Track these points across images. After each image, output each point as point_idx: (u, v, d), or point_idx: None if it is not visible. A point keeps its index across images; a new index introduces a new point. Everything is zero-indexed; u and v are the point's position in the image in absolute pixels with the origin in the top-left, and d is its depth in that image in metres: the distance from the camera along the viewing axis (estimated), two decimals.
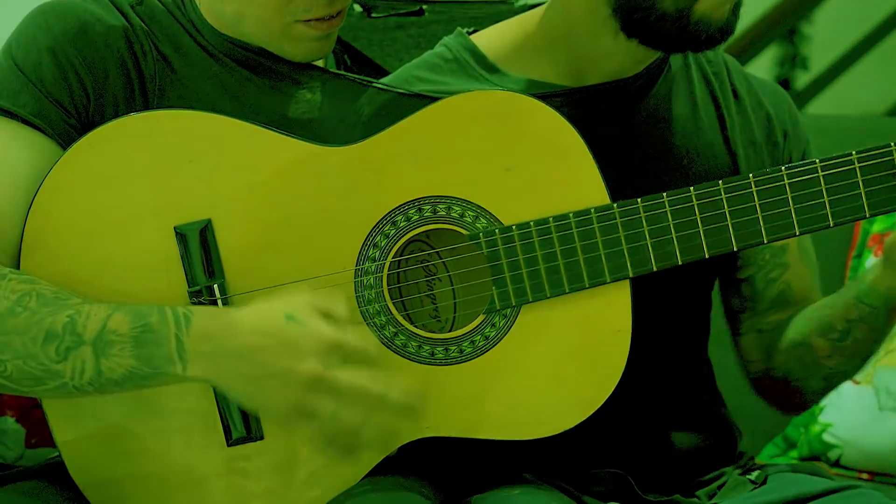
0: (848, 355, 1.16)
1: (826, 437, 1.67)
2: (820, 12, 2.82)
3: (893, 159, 1.04)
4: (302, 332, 0.97)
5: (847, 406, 1.67)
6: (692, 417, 1.21)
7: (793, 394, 1.22)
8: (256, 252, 1.06)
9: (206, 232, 1.06)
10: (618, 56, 1.14)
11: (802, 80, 2.92)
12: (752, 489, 1.15)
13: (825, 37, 2.96)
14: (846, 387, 1.68)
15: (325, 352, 0.97)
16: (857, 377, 1.67)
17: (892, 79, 3.22)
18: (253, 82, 1.14)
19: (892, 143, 1.04)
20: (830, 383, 1.20)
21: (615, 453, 1.15)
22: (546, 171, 1.07)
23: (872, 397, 1.66)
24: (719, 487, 1.18)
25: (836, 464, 1.67)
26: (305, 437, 1.02)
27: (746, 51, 2.77)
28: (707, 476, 1.19)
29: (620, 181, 1.09)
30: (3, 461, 1.41)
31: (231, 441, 1.06)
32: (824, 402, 1.70)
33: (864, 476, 1.65)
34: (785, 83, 2.86)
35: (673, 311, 1.18)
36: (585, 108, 1.14)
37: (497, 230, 1.06)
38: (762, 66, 2.88)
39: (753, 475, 1.18)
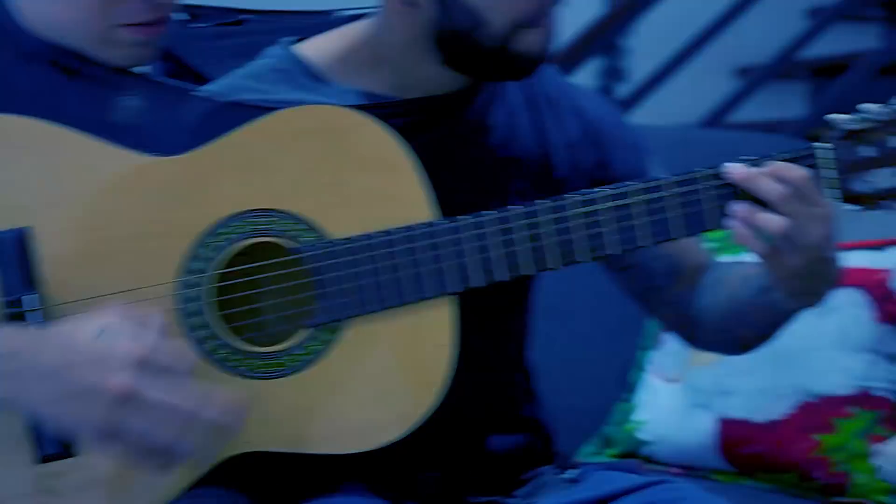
0: (765, 339, 1.22)
1: (640, 435, 1.73)
2: (638, 27, 2.91)
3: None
4: (111, 347, 0.93)
5: (659, 404, 1.73)
6: (510, 420, 1.23)
7: (720, 352, 1.31)
8: (78, 263, 1.04)
9: (23, 239, 1.02)
10: (441, 79, 1.15)
11: (622, 91, 2.99)
12: (568, 487, 1.18)
13: (643, 50, 3.05)
14: (658, 386, 1.76)
15: (136, 367, 0.92)
16: (670, 375, 1.76)
17: (704, 91, 3.35)
18: (72, 88, 1.11)
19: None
20: (753, 349, 1.25)
21: (436, 458, 1.16)
22: (373, 186, 1.07)
23: (683, 395, 1.73)
24: (537, 487, 1.20)
25: (650, 460, 1.72)
26: (119, 454, 0.98)
27: (569, 63, 2.84)
28: (525, 476, 1.21)
29: (446, 192, 1.10)
30: None
31: (43, 457, 1.02)
32: (637, 400, 1.77)
33: (676, 470, 1.70)
34: (607, 94, 2.94)
35: (491, 320, 1.19)
36: (410, 120, 1.14)
37: (321, 244, 1.06)
38: (584, 78, 2.94)
39: (569, 474, 1.20)
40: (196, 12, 1.23)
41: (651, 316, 1.32)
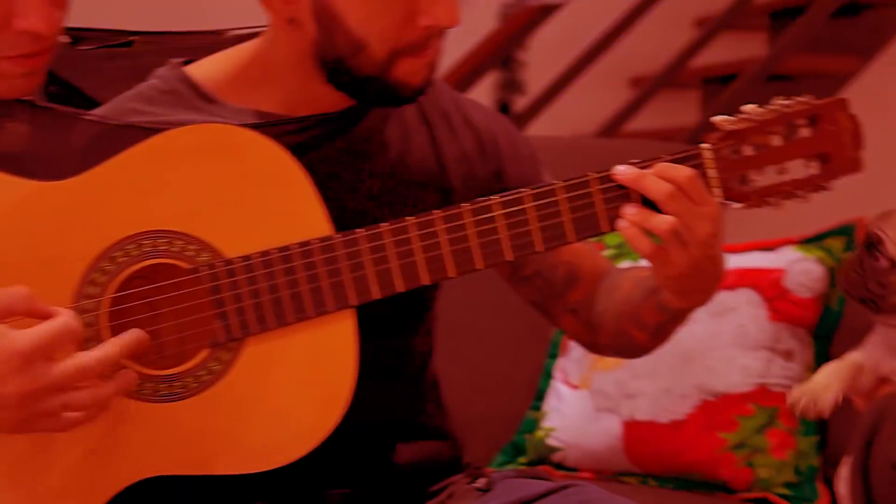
0: (661, 339, 1.22)
1: (550, 441, 1.74)
2: (533, 39, 2.93)
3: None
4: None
5: (567, 410, 1.75)
6: (418, 433, 1.22)
7: (620, 356, 1.31)
8: None
9: None
10: (331, 97, 1.14)
11: (520, 103, 3.02)
12: (479, 497, 1.18)
13: (539, 62, 3.09)
14: (566, 392, 1.77)
15: (25, 365, 0.93)
16: (575, 381, 1.77)
17: (599, 102, 3.40)
18: None
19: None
20: (649, 352, 1.26)
21: (344, 473, 1.15)
22: (268, 203, 1.06)
23: (589, 400, 1.74)
24: (448, 497, 1.20)
25: (561, 466, 1.74)
26: (17, 458, 1.00)
27: (467, 77, 2.86)
28: (435, 488, 1.21)
29: (341, 208, 1.10)
30: None
31: None
32: (547, 407, 1.78)
33: (586, 475, 1.72)
34: (504, 107, 2.96)
35: (394, 333, 1.19)
36: (303, 137, 1.14)
37: (219, 263, 1.05)
38: (482, 92, 2.96)
39: (479, 483, 1.21)
40: (81, 35, 1.21)
41: (553, 324, 1.32)
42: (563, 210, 1.08)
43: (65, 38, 1.13)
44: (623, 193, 1.08)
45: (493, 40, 2.90)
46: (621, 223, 1.07)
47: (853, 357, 1.07)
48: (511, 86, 3.00)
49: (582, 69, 3.08)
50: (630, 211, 1.06)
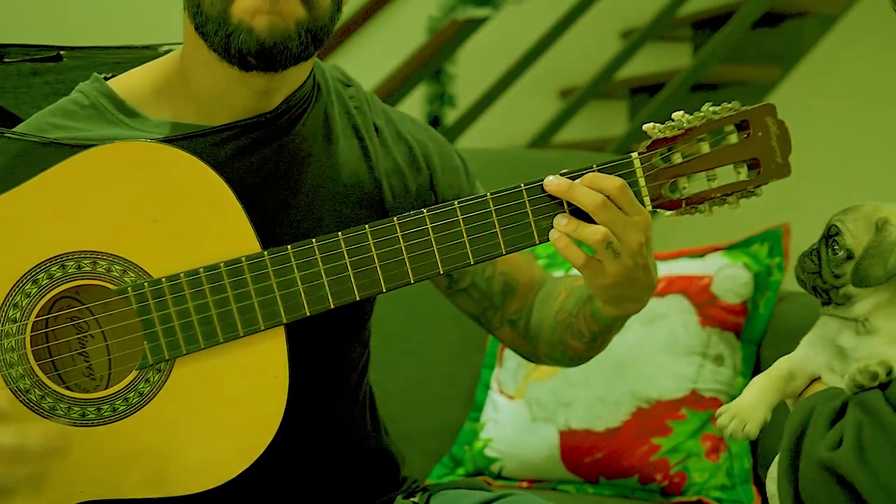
0: (598, 348, 1.22)
1: (487, 452, 1.73)
2: (462, 52, 2.94)
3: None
4: None
5: (504, 421, 1.74)
6: (355, 449, 1.21)
7: (560, 365, 1.29)
8: None
9: None
10: (237, 87, 1.11)
11: (451, 116, 3.02)
12: None
13: (469, 75, 3.09)
14: (502, 403, 1.77)
15: None
16: (511, 391, 1.77)
17: (529, 113, 3.41)
18: None
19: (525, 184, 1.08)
20: (587, 360, 1.26)
21: (283, 492, 1.14)
22: (194, 221, 1.05)
23: (526, 410, 1.74)
24: None
25: (499, 476, 1.73)
26: None
27: (397, 90, 2.85)
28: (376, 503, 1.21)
29: (270, 221, 1.09)
30: None
31: None
32: (484, 418, 1.78)
33: (524, 485, 1.71)
34: (435, 120, 2.96)
35: (328, 348, 1.18)
36: (227, 149, 1.12)
37: (146, 283, 1.03)
38: (413, 105, 2.96)
39: (417, 497, 1.20)
40: (6, 50, 1.19)
41: (492, 335, 1.32)
42: (495, 222, 1.08)
43: None
44: (554, 204, 1.08)
45: (422, 53, 2.91)
46: (553, 234, 1.07)
47: (781, 365, 1.08)
48: (441, 99, 3.00)
49: (511, 81, 3.10)
50: (561, 222, 1.06)
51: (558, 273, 1.74)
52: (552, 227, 1.07)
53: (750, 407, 1.05)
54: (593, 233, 1.05)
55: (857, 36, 3.47)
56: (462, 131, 3.03)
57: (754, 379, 1.08)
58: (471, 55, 3.06)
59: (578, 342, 1.21)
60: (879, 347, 1.02)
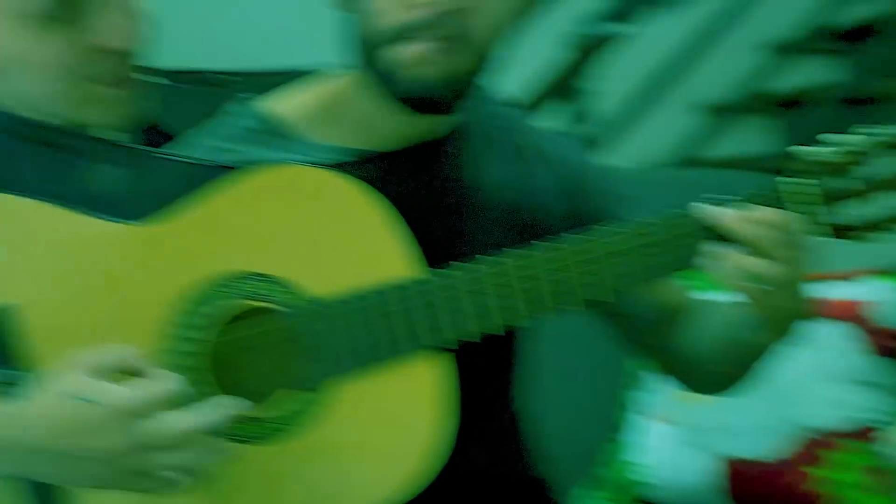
0: (751, 372, 1.19)
1: (632, 475, 1.71)
2: (604, 69, 2.92)
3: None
4: (91, 410, 0.94)
5: (653, 444, 1.72)
6: (514, 477, 1.22)
7: (713, 391, 1.29)
8: (70, 336, 1.01)
9: (4, 318, 1.01)
10: (404, 121, 1.13)
11: (589, 133, 2.99)
12: None
13: (611, 92, 3.05)
14: (650, 425, 1.74)
15: (124, 423, 0.94)
16: (658, 416, 1.74)
17: (673, 130, 3.37)
18: (46, 158, 1.09)
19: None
20: (737, 388, 1.24)
21: None
22: (358, 244, 1.06)
23: (673, 434, 1.71)
24: None
25: (645, 501, 1.70)
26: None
27: (536, 107, 2.85)
28: None
29: (426, 244, 1.08)
30: None
31: None
32: (630, 441, 1.75)
33: None
34: (578, 138, 2.95)
35: (488, 375, 1.18)
36: (382, 172, 1.13)
37: (309, 306, 1.04)
38: (551, 123, 2.95)
39: None
40: (171, 75, 1.24)
41: (639, 359, 1.31)
42: (647, 247, 1.07)
43: (154, 79, 1.15)
44: (707, 231, 1.06)
45: (561, 70, 2.90)
46: (712, 262, 1.05)
47: None
48: (579, 116, 2.98)
49: (654, 98, 3.06)
50: (722, 251, 1.05)
51: (709, 295, 1.70)
52: (706, 254, 1.05)
53: None
54: (755, 265, 1.03)
55: None
56: (600, 148, 3.01)
57: None
58: (612, 71, 3.03)
59: (729, 368, 1.19)
60: None
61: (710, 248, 1.05)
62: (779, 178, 1.07)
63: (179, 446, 0.95)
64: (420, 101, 1.10)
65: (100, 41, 1.06)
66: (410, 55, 1.08)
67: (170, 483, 0.97)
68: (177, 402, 0.96)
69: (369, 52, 1.10)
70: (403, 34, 1.07)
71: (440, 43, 1.07)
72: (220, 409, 0.98)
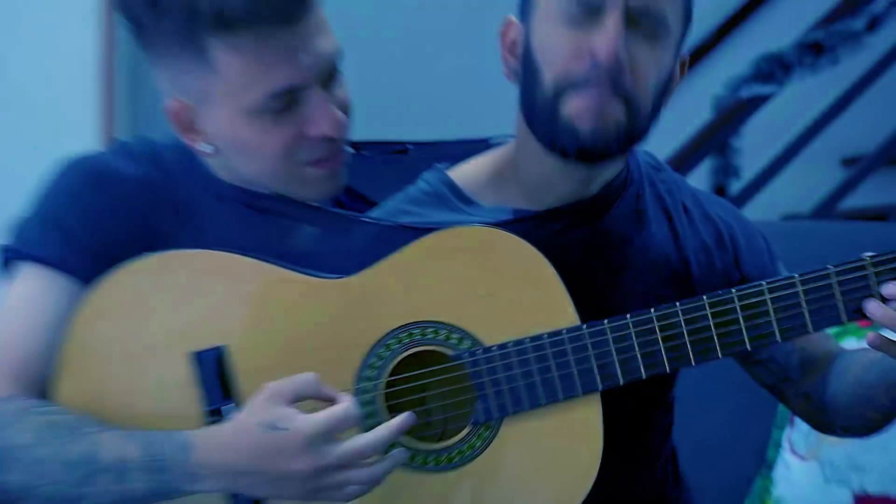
0: (893, 417, 1.16)
1: None
2: (747, 128, 2.87)
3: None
4: (284, 437, 0.97)
5: (795, 480, 1.65)
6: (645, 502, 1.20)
7: (852, 434, 1.23)
8: (267, 374, 1.03)
9: (220, 358, 1.05)
10: (560, 176, 1.13)
11: (736, 187, 2.94)
12: None
13: (754, 147, 3.00)
14: (794, 462, 1.67)
15: (308, 446, 0.96)
16: (803, 453, 1.68)
17: (813, 182, 3.26)
18: (259, 222, 1.13)
19: (866, 258, 1.04)
20: (883, 429, 1.19)
21: None
22: (520, 296, 1.06)
23: (819, 471, 1.64)
24: None
25: None
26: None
27: (686, 163, 2.81)
28: None
29: (586, 295, 1.08)
30: None
31: None
32: (775, 477, 1.69)
33: None
34: (721, 190, 2.89)
35: (637, 412, 1.17)
36: (551, 229, 1.14)
37: (479, 350, 1.05)
38: (700, 177, 2.90)
39: None
40: (364, 146, 1.25)
41: (785, 405, 1.27)
42: (802, 302, 1.04)
43: (350, 150, 1.18)
44: (862, 287, 1.03)
45: (709, 129, 2.85)
46: (872, 311, 1.02)
47: None
48: (726, 170, 2.92)
49: (795, 152, 2.97)
50: (876, 312, 1.03)
51: (850, 340, 1.63)
52: (864, 311, 1.03)
53: None
54: None
55: None
56: (747, 201, 2.94)
57: None
58: (755, 128, 2.96)
59: (877, 414, 1.14)
60: None
61: (876, 307, 1.02)
62: None
63: (360, 464, 0.98)
64: (584, 152, 1.09)
65: (314, 130, 1.09)
66: (577, 106, 1.07)
67: (354, 495, 0.99)
68: (354, 425, 0.99)
69: (539, 108, 1.09)
70: (571, 84, 1.07)
71: (605, 93, 1.06)
72: (393, 428, 0.99)
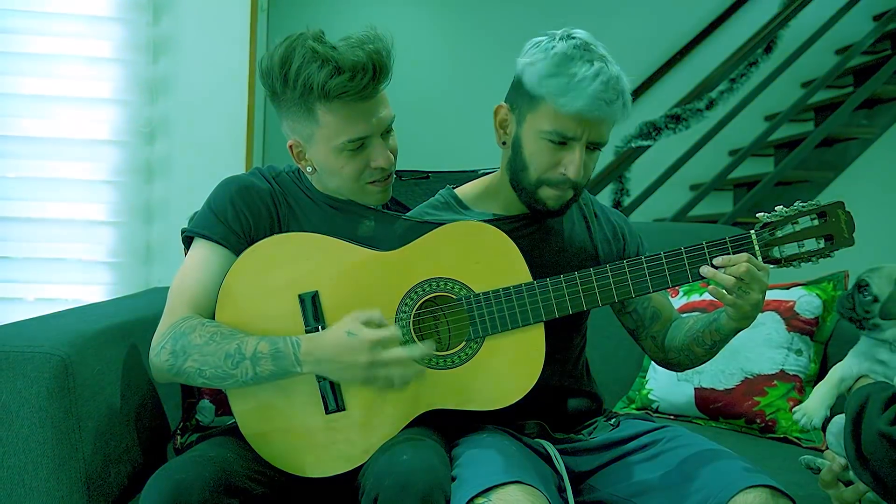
0: (711, 354, 1.13)
1: (650, 396, 1.65)
2: (634, 166, 2.86)
3: (705, 253, 1.02)
4: (355, 340, 0.96)
5: (660, 379, 1.65)
6: (578, 392, 1.18)
7: (680, 367, 1.18)
8: (342, 308, 1.04)
9: (315, 298, 1.05)
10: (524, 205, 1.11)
11: (626, 202, 2.93)
12: (611, 429, 1.13)
13: (637, 178, 2.97)
14: (659, 368, 1.67)
15: (370, 348, 0.96)
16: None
17: (672, 199, 3.23)
18: (338, 217, 1.13)
19: (703, 243, 1.02)
20: (699, 364, 1.16)
21: (536, 413, 1.13)
22: (496, 263, 1.05)
23: (674, 374, 1.63)
24: (594, 429, 1.15)
25: (657, 411, 1.64)
26: (372, 398, 1.00)
27: (596, 188, 2.79)
28: (587, 423, 1.17)
29: (535, 266, 1.08)
30: (203, 424, 1.37)
31: (327, 412, 1.04)
32: (648, 376, 1.69)
33: (672, 418, 1.61)
34: (618, 204, 2.88)
35: (565, 333, 1.16)
36: (515, 227, 1.12)
37: (472, 296, 1.05)
38: (605, 196, 2.89)
39: (612, 421, 1.16)
40: (403, 173, 1.24)
41: (638, 344, 1.22)
42: (665, 267, 1.03)
43: (395, 176, 1.17)
44: (702, 259, 1.02)
45: (611, 166, 2.83)
46: (712, 279, 1.00)
47: (834, 374, 0.95)
48: (621, 192, 2.90)
49: (662, 181, 2.95)
50: (718, 273, 1.00)
51: (694, 296, 1.63)
52: (701, 274, 1.01)
53: (814, 407, 0.95)
54: (725, 281, 0.99)
55: (886, 152, 3.06)
56: (633, 211, 2.91)
57: (816, 386, 0.97)
58: (639, 166, 2.94)
59: (701, 349, 1.11)
60: None
61: (708, 270, 1.00)
62: (752, 231, 1.02)
63: (397, 364, 0.97)
64: (547, 213, 1.08)
65: (375, 163, 1.08)
66: (549, 195, 1.06)
67: (390, 384, 0.98)
68: (397, 342, 0.98)
69: (523, 185, 1.07)
70: (547, 182, 1.06)
71: (567, 189, 1.06)
72: (419, 348, 0.99)
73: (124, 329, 1.18)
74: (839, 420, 0.91)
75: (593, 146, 1.05)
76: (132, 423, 1.16)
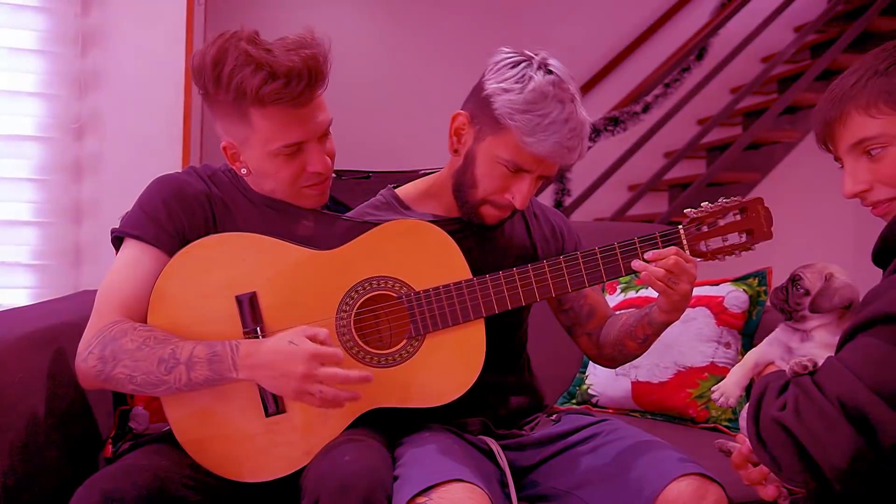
0: (643, 348, 1.15)
1: (590, 391, 1.68)
2: (575, 167, 2.90)
3: (636, 247, 1.04)
4: (295, 350, 0.94)
5: (599, 374, 1.69)
6: (520, 387, 1.20)
7: (614, 362, 1.20)
8: (281, 309, 1.03)
9: (253, 299, 1.03)
10: None
11: (567, 202, 2.98)
12: (553, 424, 1.15)
13: (578, 179, 3.03)
14: (596, 365, 1.71)
15: (309, 360, 0.93)
16: None
17: (611, 199, 3.30)
18: (276, 217, 1.11)
19: (636, 239, 1.04)
20: (632, 359, 1.18)
21: (478, 410, 1.13)
22: (436, 261, 1.05)
23: (609, 370, 1.68)
24: (536, 424, 1.17)
25: (596, 405, 1.67)
26: (308, 405, 0.98)
27: (539, 188, 2.82)
28: (528, 419, 1.18)
29: (477, 265, 1.09)
30: (136, 433, 1.32)
31: (268, 414, 1.02)
32: (588, 372, 1.72)
33: (611, 411, 1.65)
34: (558, 204, 2.93)
35: (506, 331, 1.17)
36: (455, 228, 1.13)
37: (412, 294, 1.05)
38: (546, 196, 2.93)
39: (554, 416, 1.17)
40: (342, 172, 1.23)
41: (574, 342, 1.25)
42: (599, 262, 1.05)
43: (334, 176, 1.16)
44: (633, 256, 1.04)
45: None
46: (644, 270, 1.02)
47: (749, 359, 1.01)
48: (562, 192, 2.96)
49: (601, 182, 3.02)
50: (644, 266, 1.03)
51: (630, 293, 1.68)
52: (633, 268, 1.03)
53: (731, 387, 1.00)
54: (656, 273, 1.02)
55: (808, 155, 3.23)
56: (573, 210, 2.97)
57: (733, 369, 1.02)
58: (579, 167, 2.99)
59: (633, 343, 1.14)
60: (813, 350, 0.95)
61: (639, 264, 1.02)
62: (680, 226, 1.06)
63: (328, 383, 0.94)
64: (484, 227, 1.09)
65: (311, 168, 1.07)
66: (491, 213, 1.07)
67: (321, 402, 0.95)
68: (337, 361, 0.95)
69: (466, 199, 1.07)
70: (492, 203, 1.06)
71: (510, 212, 1.07)
72: (357, 373, 0.95)
73: (49, 334, 1.13)
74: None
75: (543, 179, 1.06)
76: (58, 433, 1.10)
